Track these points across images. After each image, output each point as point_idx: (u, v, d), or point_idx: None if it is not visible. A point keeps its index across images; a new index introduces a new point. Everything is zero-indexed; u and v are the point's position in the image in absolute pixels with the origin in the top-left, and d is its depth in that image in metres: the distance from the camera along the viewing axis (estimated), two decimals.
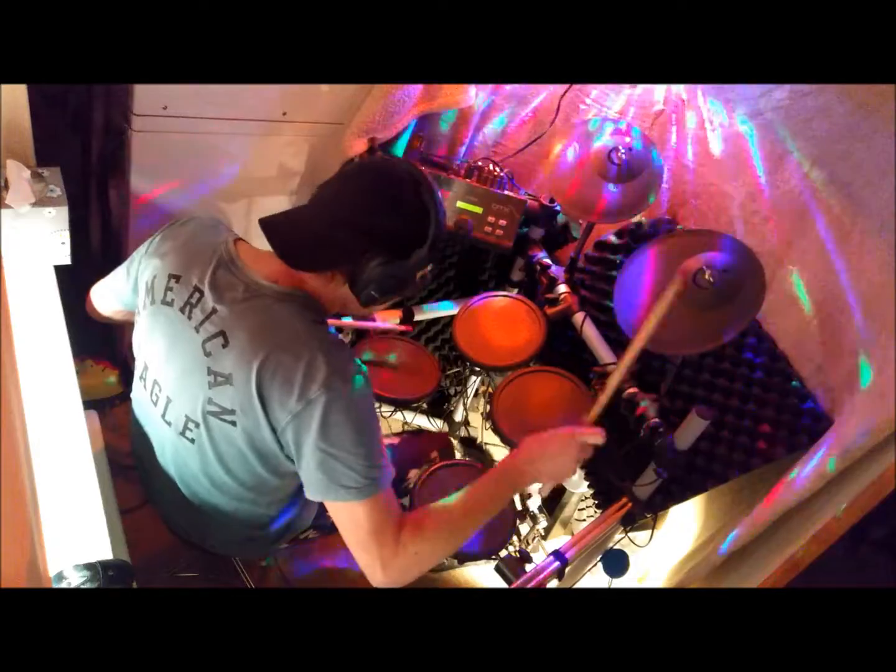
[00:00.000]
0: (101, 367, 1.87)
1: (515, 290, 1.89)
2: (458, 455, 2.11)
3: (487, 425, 2.13)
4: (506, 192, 1.70)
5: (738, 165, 1.48)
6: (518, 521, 1.55)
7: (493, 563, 1.33)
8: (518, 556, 1.37)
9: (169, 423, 1.08)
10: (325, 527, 1.42)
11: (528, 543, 1.91)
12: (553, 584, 1.30)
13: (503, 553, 1.41)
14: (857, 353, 1.21)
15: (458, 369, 2.14)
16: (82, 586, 0.84)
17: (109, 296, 1.22)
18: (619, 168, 1.52)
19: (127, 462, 1.32)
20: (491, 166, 1.73)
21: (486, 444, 2.18)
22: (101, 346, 1.84)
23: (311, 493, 0.99)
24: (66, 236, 1.31)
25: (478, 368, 1.98)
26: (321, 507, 1.33)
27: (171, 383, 1.06)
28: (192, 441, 1.05)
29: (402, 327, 1.79)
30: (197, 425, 1.03)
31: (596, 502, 1.76)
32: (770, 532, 1.16)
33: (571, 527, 2.02)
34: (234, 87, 1.52)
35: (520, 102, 1.85)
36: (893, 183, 1.15)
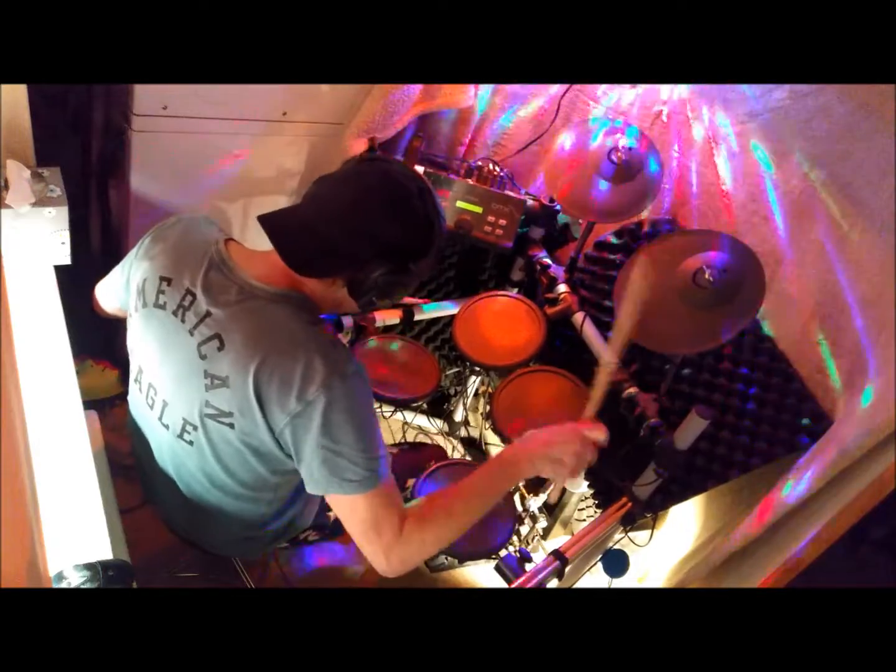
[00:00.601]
0: (101, 367, 1.87)
1: (515, 290, 1.89)
2: (457, 455, 2.11)
3: (487, 425, 2.14)
4: (506, 192, 1.70)
5: (738, 165, 1.48)
6: (518, 522, 1.55)
7: (493, 563, 1.33)
8: (518, 555, 1.37)
9: (166, 427, 1.08)
10: (324, 526, 1.42)
11: (528, 543, 1.91)
12: (553, 584, 1.30)
13: (503, 553, 1.41)
14: (857, 353, 1.22)
15: (458, 369, 2.14)
16: (82, 586, 0.84)
17: (110, 294, 1.22)
18: (619, 168, 1.52)
19: (127, 462, 1.32)
20: (491, 166, 1.73)
21: (486, 443, 2.18)
22: (101, 346, 1.84)
23: (311, 488, 0.99)
24: (66, 236, 1.31)
25: (478, 368, 1.98)
26: (321, 506, 1.34)
27: (166, 387, 1.05)
28: (191, 443, 1.05)
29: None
30: (195, 428, 1.03)
31: (596, 502, 1.76)
32: (770, 532, 1.16)
33: (571, 527, 2.02)
34: (234, 87, 1.53)
35: (520, 102, 1.85)
36: (893, 183, 1.16)
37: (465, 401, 2.14)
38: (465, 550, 1.43)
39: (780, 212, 1.40)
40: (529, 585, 1.24)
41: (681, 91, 1.60)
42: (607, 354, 1.14)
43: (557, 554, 1.29)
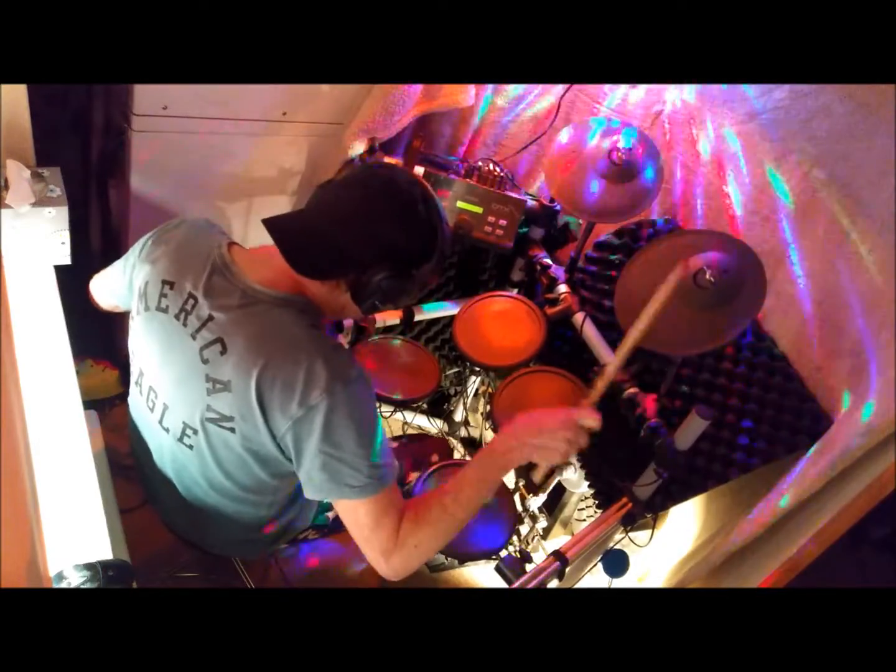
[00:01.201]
0: (101, 367, 1.88)
1: (515, 291, 1.89)
2: (457, 455, 2.11)
3: (487, 425, 2.14)
4: (506, 193, 1.70)
5: (738, 165, 1.48)
6: (518, 522, 1.55)
7: (493, 563, 1.33)
8: (518, 556, 1.37)
9: (167, 430, 1.07)
10: (324, 527, 1.43)
11: (528, 543, 1.91)
12: (553, 584, 1.30)
13: (503, 553, 1.41)
14: (857, 353, 1.22)
15: (458, 369, 2.14)
16: (82, 586, 0.84)
17: (105, 291, 1.22)
18: (620, 168, 1.52)
19: (127, 462, 1.32)
20: (491, 166, 1.73)
21: (486, 444, 2.18)
22: (101, 346, 1.85)
23: (310, 493, 0.99)
24: (66, 236, 1.31)
25: (478, 368, 1.98)
26: (319, 507, 1.34)
27: (167, 390, 1.05)
28: (191, 447, 1.05)
29: None
30: (195, 432, 1.03)
31: (596, 502, 1.76)
32: (770, 532, 1.16)
33: (571, 527, 2.03)
34: (234, 87, 1.52)
35: (520, 102, 1.85)
36: (893, 183, 1.15)
37: (465, 401, 2.14)
38: (466, 551, 1.43)
39: (780, 212, 1.40)
40: (530, 586, 1.24)
41: (681, 91, 1.60)
42: (615, 356, 1.13)
43: (558, 554, 1.29)
